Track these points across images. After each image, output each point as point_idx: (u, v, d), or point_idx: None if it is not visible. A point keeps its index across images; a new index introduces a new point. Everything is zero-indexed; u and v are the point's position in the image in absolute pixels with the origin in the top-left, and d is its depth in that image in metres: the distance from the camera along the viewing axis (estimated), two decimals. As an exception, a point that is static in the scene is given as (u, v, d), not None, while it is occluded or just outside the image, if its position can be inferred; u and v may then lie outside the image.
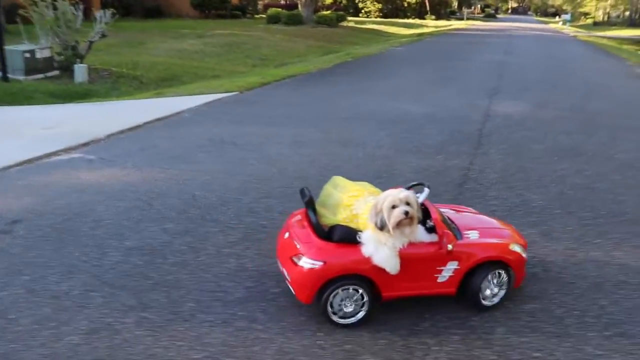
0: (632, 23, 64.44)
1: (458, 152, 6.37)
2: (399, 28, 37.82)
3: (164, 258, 3.66)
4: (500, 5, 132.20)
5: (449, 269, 2.97)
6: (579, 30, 52.52)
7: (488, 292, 3.10)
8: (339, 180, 3.20)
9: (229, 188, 5.01)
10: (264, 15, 37.89)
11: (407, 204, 2.74)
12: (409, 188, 3.02)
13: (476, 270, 3.02)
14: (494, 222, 3.46)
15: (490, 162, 5.98)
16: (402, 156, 6.12)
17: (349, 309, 2.90)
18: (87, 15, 13.54)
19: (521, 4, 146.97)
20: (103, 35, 12.51)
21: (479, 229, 3.21)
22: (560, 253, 3.89)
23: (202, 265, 3.58)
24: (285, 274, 3.00)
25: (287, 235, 3.10)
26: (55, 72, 11.87)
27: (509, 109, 8.91)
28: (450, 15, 67.88)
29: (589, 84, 12.18)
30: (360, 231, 2.87)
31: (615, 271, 3.69)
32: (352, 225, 2.91)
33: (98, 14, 12.55)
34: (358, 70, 13.58)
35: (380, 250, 2.77)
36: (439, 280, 2.99)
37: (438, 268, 2.96)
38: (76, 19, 12.18)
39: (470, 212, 3.60)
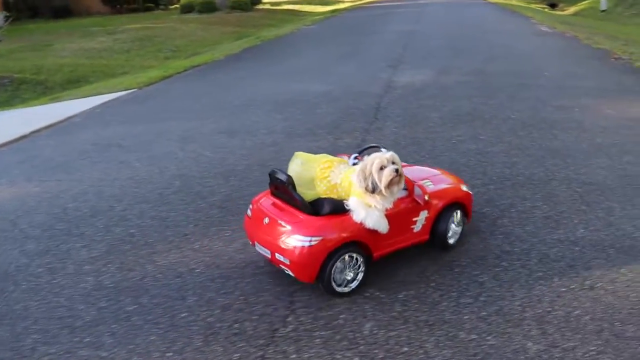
0: None
1: (352, 129, 6.10)
2: (315, 6, 37.43)
3: (16, 285, 3.28)
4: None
5: (422, 219, 3.16)
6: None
7: (451, 232, 3.34)
8: (301, 155, 3.16)
9: (103, 196, 4.61)
10: (178, 6, 36.70)
11: (393, 163, 2.81)
12: (362, 151, 3.27)
13: (441, 215, 3.24)
14: (435, 170, 3.60)
15: (383, 137, 5.73)
16: (293, 140, 5.80)
17: (349, 276, 2.94)
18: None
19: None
20: (-1, 41, 11.65)
21: (429, 178, 3.37)
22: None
23: (56, 288, 3.22)
24: (281, 258, 2.87)
25: (267, 220, 3.00)
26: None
27: (410, 79, 8.69)
28: (368, -12, 67.86)
29: (494, 47, 12.09)
30: (344, 200, 2.91)
31: (500, 241, 3.51)
32: (334, 195, 2.96)
33: (-9, 18, 11.66)
34: (265, 54, 13.10)
35: (372, 214, 2.83)
36: (415, 230, 3.17)
37: (413, 219, 3.13)
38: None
39: (413, 166, 3.70)
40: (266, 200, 3.14)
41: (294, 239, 2.80)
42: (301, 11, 34.61)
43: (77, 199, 4.58)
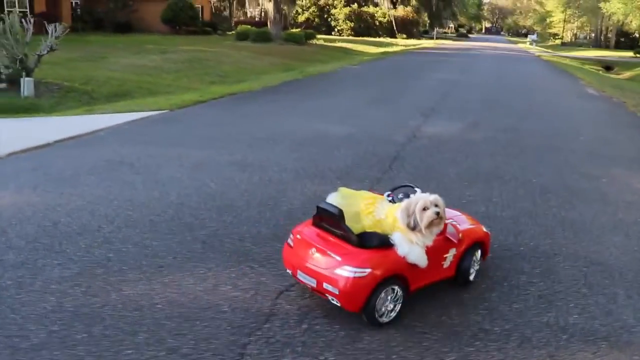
0: (596, 44, 66.51)
1: (363, 176, 5.94)
2: (368, 46, 37.81)
3: (-20, 295, 3.22)
4: (473, 24, 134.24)
5: (450, 255, 3.38)
6: (546, 50, 53.19)
7: (472, 269, 3.58)
8: (343, 191, 3.36)
9: (96, 215, 4.58)
10: (234, 33, 37.67)
11: (436, 205, 3.03)
12: (394, 189, 3.54)
13: (466, 253, 3.47)
14: (456, 211, 3.80)
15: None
16: (300, 181, 5.69)
17: (390, 307, 3.08)
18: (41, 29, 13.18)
19: (494, 24, 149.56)
20: (52, 49, 12.06)
21: (452, 217, 3.56)
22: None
23: (17, 304, 3.16)
24: (329, 288, 2.97)
25: (313, 250, 3.11)
26: (3, 85, 11.47)
27: (438, 130, 8.56)
28: (423, 34, 68.41)
29: (533, 104, 11.90)
30: (388, 235, 3.09)
31: (481, 317, 3.26)
32: (378, 230, 3.13)
33: (49, 27, 12.12)
34: (301, 89, 13.24)
35: (414, 249, 3.02)
36: (444, 266, 3.37)
37: (444, 256, 3.34)
38: (25, 32, 11.78)
39: None
40: (309, 231, 3.24)
41: (345, 270, 2.92)
42: (353, 50, 34.99)
43: (71, 215, 4.55)
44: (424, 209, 2.99)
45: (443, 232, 3.25)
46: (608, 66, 35.45)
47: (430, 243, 3.09)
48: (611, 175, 6.49)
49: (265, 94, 12.18)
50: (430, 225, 3.01)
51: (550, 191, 5.73)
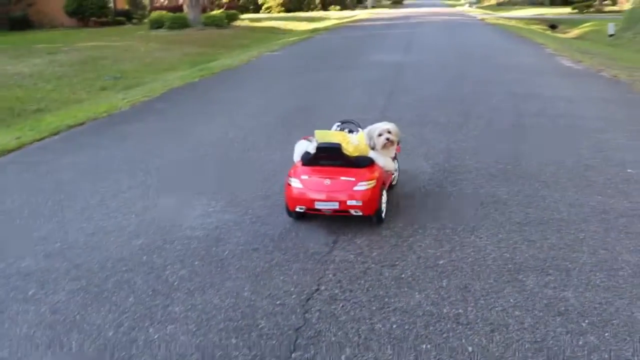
0: (531, 2, 67.02)
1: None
2: (298, 23, 34.96)
3: None
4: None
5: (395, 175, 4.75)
6: (486, 12, 51.71)
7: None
8: (321, 133, 4.18)
9: None
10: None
11: (389, 132, 4.14)
12: (342, 123, 4.75)
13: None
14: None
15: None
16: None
17: (384, 205, 4.14)
18: None
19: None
20: None
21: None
22: None
23: None
24: (353, 203, 3.87)
25: (327, 181, 3.92)
26: None
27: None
28: (357, 4, 65.76)
29: (517, 99, 8.21)
30: (367, 155, 4.15)
31: None
32: (357, 153, 4.09)
33: None
34: (185, 103, 9.35)
35: (387, 161, 4.23)
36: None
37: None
38: None
39: None
40: (309, 170, 4.03)
41: (361, 185, 3.87)
42: (281, 29, 32.06)
43: None
44: (379, 135, 4.13)
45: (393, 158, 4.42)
46: (553, 25, 33.83)
47: (392, 155, 4.35)
48: None
49: (114, 125, 8.05)
50: (383, 147, 4.14)
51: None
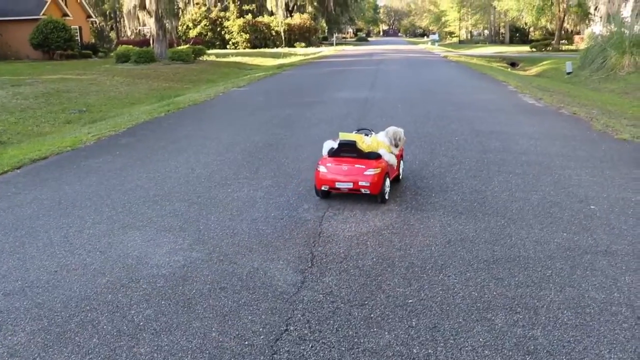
0: (492, 40, 69.66)
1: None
2: (264, 59, 35.30)
3: None
4: (371, 28, 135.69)
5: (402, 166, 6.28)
6: (448, 49, 53.07)
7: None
8: (344, 134, 5.64)
9: None
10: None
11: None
12: (359, 130, 6.23)
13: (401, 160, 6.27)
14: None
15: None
16: None
17: (387, 188, 5.49)
18: None
19: (391, 27, 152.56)
20: None
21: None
22: None
23: None
24: (363, 183, 5.26)
25: (345, 167, 5.34)
26: None
27: (353, 230, 4.99)
28: (322, 41, 66.86)
29: (483, 143, 8.18)
30: (376, 151, 5.54)
31: None
32: (369, 150, 5.52)
33: None
34: (146, 141, 9.04)
35: (391, 156, 5.61)
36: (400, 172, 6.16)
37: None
38: None
39: None
40: (333, 160, 5.44)
41: (370, 171, 5.24)
42: (247, 64, 32.32)
43: None
44: (400, 138, 5.82)
45: (401, 151, 6.04)
46: (513, 62, 34.97)
47: (397, 152, 5.85)
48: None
49: (99, 152, 8.28)
50: (396, 146, 5.78)
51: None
